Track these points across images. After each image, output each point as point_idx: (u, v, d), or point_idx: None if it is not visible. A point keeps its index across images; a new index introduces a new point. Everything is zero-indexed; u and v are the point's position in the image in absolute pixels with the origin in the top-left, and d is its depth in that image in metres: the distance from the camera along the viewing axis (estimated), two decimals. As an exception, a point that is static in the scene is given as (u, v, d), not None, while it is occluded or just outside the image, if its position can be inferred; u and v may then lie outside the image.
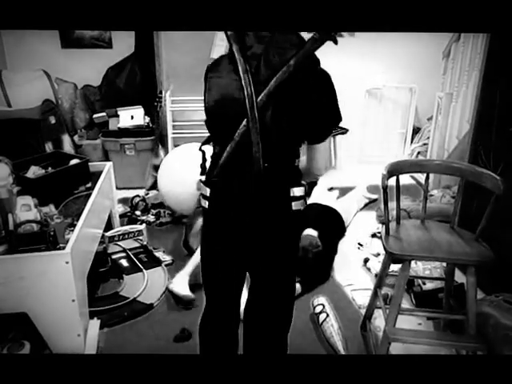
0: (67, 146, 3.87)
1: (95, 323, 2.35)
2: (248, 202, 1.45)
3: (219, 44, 4.17)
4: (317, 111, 1.39)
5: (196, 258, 2.74)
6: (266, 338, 1.68)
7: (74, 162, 2.92)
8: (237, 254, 1.56)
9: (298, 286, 2.70)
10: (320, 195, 3.98)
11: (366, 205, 4.06)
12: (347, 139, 4.96)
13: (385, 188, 2.00)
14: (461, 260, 1.94)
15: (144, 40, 4.16)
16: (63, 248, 2.10)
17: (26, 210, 2.23)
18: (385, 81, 4.97)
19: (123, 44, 4.36)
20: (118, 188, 4.25)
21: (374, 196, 4.12)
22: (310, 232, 3.09)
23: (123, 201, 3.89)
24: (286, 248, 1.54)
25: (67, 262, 2.05)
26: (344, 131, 4.84)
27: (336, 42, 1.41)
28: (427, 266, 2.60)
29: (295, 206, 1.45)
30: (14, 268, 2.02)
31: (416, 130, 4.98)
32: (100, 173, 3.03)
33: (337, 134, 4.84)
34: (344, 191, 4.15)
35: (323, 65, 1.38)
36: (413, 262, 2.65)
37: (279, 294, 1.63)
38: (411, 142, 4.95)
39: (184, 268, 2.73)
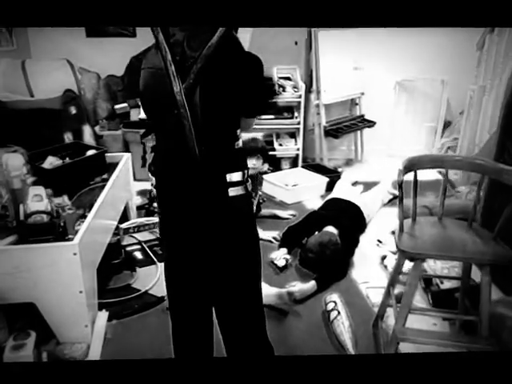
0: (88, 137, 3.92)
1: (103, 315, 2.39)
2: (187, 190, 1.44)
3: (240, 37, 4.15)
4: (244, 92, 1.36)
5: None
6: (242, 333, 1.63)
7: (90, 152, 2.96)
8: (188, 244, 1.53)
9: (313, 283, 2.69)
10: (342, 189, 3.92)
11: (390, 200, 3.96)
12: (375, 132, 4.88)
13: (400, 183, 1.97)
14: (474, 259, 1.91)
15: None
16: (72, 239, 2.14)
17: (38, 201, 2.26)
18: (416, 72, 4.82)
19: (147, 33, 4.37)
20: (137, 180, 4.31)
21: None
22: (330, 229, 3.07)
23: (142, 193, 3.93)
24: (230, 235, 1.47)
25: (75, 254, 2.08)
26: (371, 124, 4.76)
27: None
28: (445, 265, 2.54)
29: (233, 191, 1.41)
30: (22, 259, 2.06)
31: (447, 124, 4.83)
32: (117, 164, 3.07)
33: (364, 127, 4.77)
34: (369, 186, 4.07)
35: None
36: (431, 261, 2.61)
37: (240, 287, 1.55)
38: (441, 137, 4.81)
39: None
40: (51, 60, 4.10)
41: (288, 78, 4.43)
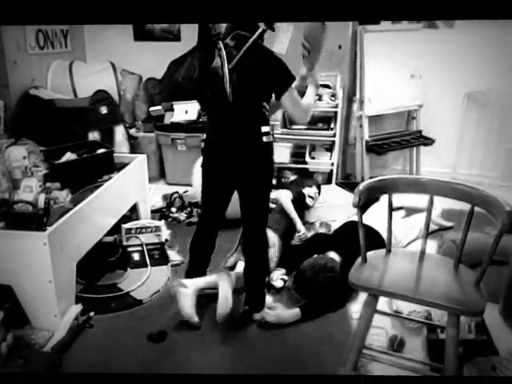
0: (120, 137, 4.42)
1: (76, 308, 2.76)
2: (232, 138, 2.48)
3: (281, 36, 4.39)
4: (267, 78, 2.40)
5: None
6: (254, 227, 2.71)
7: (100, 151, 3.41)
8: (226, 175, 2.55)
9: (297, 311, 2.73)
10: (374, 213, 3.83)
11: (434, 232, 3.78)
12: (436, 151, 4.82)
13: (357, 206, 1.96)
14: (434, 304, 1.82)
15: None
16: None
17: (28, 192, 2.73)
18: (490, 82, 4.64)
19: (191, 37, 4.82)
20: (168, 183, 4.75)
21: (449, 224, 3.91)
22: (331, 254, 3.10)
23: (166, 197, 4.34)
24: (262, 167, 2.53)
25: (45, 244, 2.48)
26: (428, 142, 4.70)
27: (273, 29, 2.45)
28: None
29: (265, 138, 2.46)
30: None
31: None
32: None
33: (418, 145, 4.74)
34: (413, 212, 3.94)
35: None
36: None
37: (259, 199, 2.63)
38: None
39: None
40: (96, 62, 4.73)
41: (327, 86, 4.50)
